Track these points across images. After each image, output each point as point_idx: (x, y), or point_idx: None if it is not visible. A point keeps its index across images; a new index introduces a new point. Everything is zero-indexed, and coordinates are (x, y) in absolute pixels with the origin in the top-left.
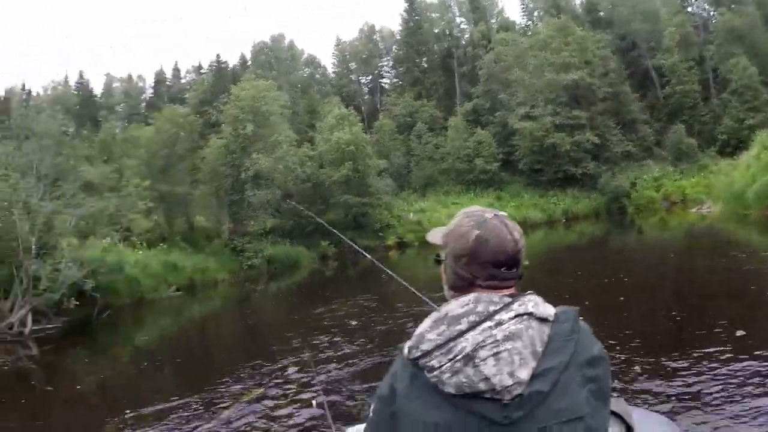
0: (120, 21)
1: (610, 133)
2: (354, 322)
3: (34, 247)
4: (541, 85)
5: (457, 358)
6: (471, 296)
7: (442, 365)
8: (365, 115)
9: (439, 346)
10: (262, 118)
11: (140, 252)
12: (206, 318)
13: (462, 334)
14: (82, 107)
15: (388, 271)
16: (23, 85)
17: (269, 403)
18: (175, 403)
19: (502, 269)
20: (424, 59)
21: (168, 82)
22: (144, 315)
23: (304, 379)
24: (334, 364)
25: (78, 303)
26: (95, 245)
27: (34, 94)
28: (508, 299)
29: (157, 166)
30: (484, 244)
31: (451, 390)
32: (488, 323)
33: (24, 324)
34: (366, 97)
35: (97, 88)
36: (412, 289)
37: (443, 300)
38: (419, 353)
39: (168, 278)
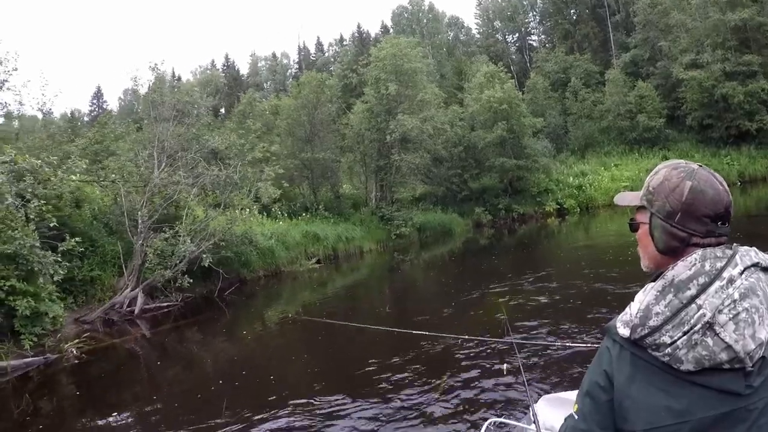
0: None
1: None
2: (532, 296)
3: (140, 221)
4: (706, 28)
5: (695, 328)
6: (696, 254)
7: (676, 340)
8: (515, 74)
9: (668, 319)
10: (405, 77)
11: (280, 222)
12: (351, 291)
13: (692, 300)
14: (230, 88)
15: None
16: (173, 72)
17: (455, 372)
18: (318, 391)
19: (719, 224)
20: (573, 11)
21: (312, 57)
22: (279, 289)
23: (490, 349)
24: (521, 332)
25: (191, 281)
26: (220, 216)
27: (183, 80)
28: (730, 251)
29: (300, 134)
30: (700, 195)
31: (689, 367)
32: (718, 282)
33: (134, 303)
34: (514, 56)
35: (243, 69)
36: None
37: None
38: (646, 331)
39: (308, 249)
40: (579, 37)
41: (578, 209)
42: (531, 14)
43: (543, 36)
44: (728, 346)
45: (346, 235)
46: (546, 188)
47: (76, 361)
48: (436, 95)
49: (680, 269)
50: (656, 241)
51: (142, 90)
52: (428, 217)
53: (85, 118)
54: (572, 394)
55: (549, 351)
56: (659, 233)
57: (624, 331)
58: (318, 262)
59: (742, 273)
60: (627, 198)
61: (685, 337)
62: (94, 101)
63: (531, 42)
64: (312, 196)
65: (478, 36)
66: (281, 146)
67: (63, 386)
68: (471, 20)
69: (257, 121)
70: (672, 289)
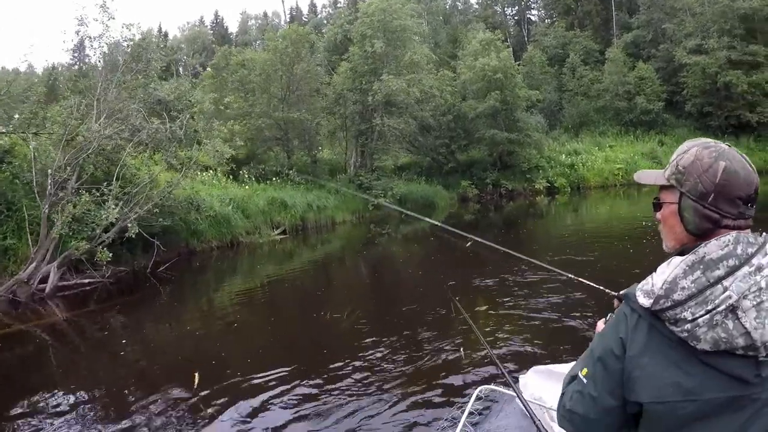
0: None
1: None
2: (509, 275)
3: (50, 181)
4: (713, 14)
5: (718, 309)
6: (730, 236)
7: (697, 317)
8: (512, 48)
9: (693, 296)
10: (393, 35)
11: (246, 187)
12: (317, 267)
13: (719, 280)
14: (218, 45)
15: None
16: (159, 28)
17: (429, 356)
18: (260, 383)
19: (749, 205)
20: None
21: (304, 18)
22: (233, 263)
23: (463, 331)
24: (494, 317)
25: (111, 255)
26: (161, 175)
27: (170, 36)
28: (762, 238)
29: (275, 91)
30: (734, 176)
31: (705, 347)
32: (747, 267)
33: (45, 280)
34: (512, 29)
35: (233, 27)
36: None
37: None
38: (669, 303)
39: (273, 218)
40: (580, 13)
41: (569, 189)
42: None
43: (543, 11)
44: (747, 333)
45: (317, 203)
46: (537, 165)
47: None
48: (426, 56)
49: (713, 248)
50: (686, 223)
51: (88, 32)
52: (411, 187)
53: (66, 73)
54: (560, 367)
55: (521, 332)
56: (690, 214)
57: (644, 301)
58: (283, 232)
59: None
60: (651, 176)
61: (707, 315)
62: (76, 54)
63: (530, 16)
64: (285, 159)
65: (476, 6)
66: (254, 104)
67: None
68: None
69: (234, 76)
70: (701, 266)
